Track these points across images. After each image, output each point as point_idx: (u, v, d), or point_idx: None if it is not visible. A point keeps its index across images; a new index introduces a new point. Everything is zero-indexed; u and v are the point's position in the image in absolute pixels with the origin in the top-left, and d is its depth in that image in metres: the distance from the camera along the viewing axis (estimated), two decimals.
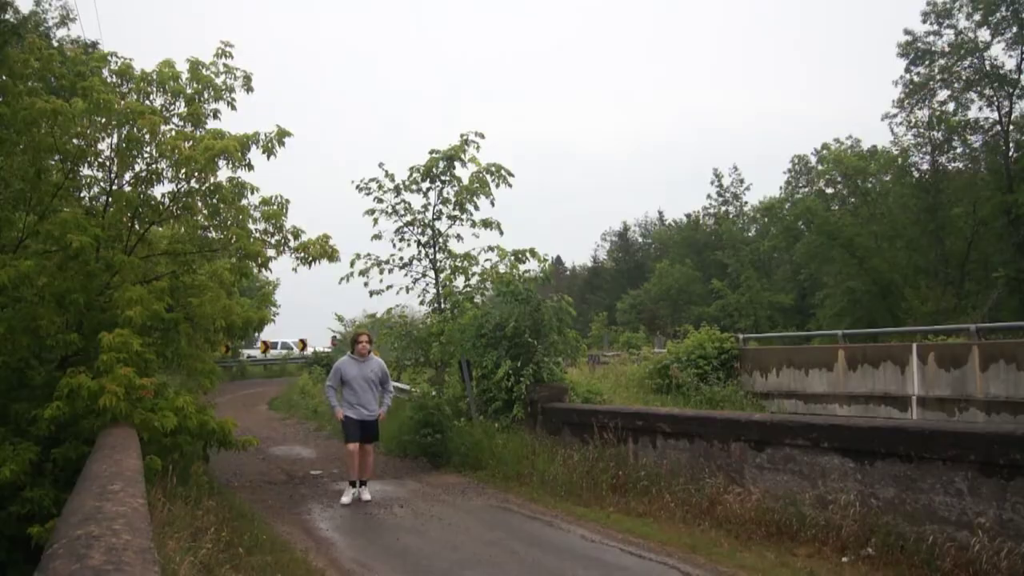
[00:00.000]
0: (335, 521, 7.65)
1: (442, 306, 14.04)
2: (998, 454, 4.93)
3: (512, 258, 13.58)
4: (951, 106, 34.47)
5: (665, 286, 51.83)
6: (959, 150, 35.75)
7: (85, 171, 8.60)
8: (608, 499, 7.80)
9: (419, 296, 14.42)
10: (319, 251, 8.87)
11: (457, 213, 14.04)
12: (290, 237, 8.91)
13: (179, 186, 8.46)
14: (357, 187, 14.17)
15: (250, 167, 8.64)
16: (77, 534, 2.55)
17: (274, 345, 36.39)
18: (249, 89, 9.08)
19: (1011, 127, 32.89)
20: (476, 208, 13.94)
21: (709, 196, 59.87)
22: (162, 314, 7.48)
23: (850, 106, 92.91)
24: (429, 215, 14.21)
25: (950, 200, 34.87)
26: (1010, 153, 32.87)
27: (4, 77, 7.91)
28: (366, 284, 14.10)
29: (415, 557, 6.18)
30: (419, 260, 14.33)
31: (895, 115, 36.36)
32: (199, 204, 8.59)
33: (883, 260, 36.11)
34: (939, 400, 12.42)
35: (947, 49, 33.74)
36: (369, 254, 14.17)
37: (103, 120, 8.13)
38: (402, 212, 14.21)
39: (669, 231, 64.45)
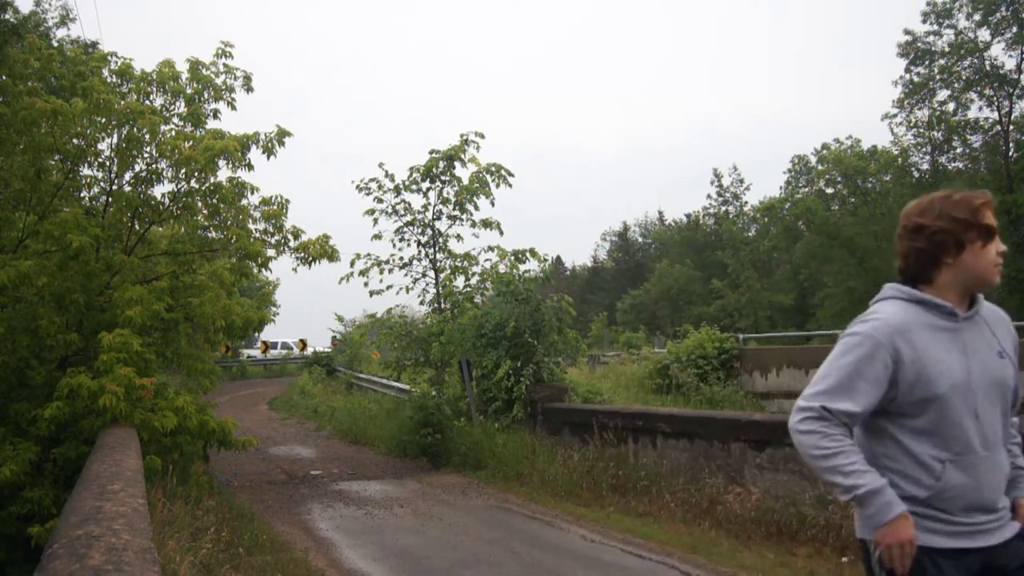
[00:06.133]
0: (335, 521, 7.65)
1: (442, 306, 14.04)
2: None
3: (512, 258, 13.59)
4: (951, 106, 34.48)
5: (665, 286, 51.76)
6: (959, 150, 35.76)
7: (85, 171, 8.61)
8: (608, 499, 7.80)
9: (419, 296, 14.47)
10: (319, 251, 8.89)
11: (457, 213, 14.06)
12: (290, 237, 8.92)
13: (179, 186, 8.47)
14: (357, 187, 14.21)
15: (250, 167, 8.66)
16: (77, 534, 2.54)
17: (274, 345, 36.34)
18: (249, 89, 9.09)
19: (1011, 127, 32.89)
20: (476, 208, 13.98)
21: (709, 196, 59.94)
22: (162, 314, 7.48)
23: (850, 106, 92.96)
24: (429, 215, 14.24)
25: None
26: (1010, 153, 32.88)
27: (4, 77, 7.90)
28: (366, 284, 14.15)
29: (415, 557, 6.18)
30: (419, 260, 14.37)
31: (895, 115, 36.37)
32: (199, 204, 8.60)
33: (883, 260, 36.07)
34: None
35: (947, 49, 33.72)
36: (369, 254, 14.22)
37: (103, 120, 8.13)
38: (402, 212, 14.25)
39: (669, 231, 64.36)
